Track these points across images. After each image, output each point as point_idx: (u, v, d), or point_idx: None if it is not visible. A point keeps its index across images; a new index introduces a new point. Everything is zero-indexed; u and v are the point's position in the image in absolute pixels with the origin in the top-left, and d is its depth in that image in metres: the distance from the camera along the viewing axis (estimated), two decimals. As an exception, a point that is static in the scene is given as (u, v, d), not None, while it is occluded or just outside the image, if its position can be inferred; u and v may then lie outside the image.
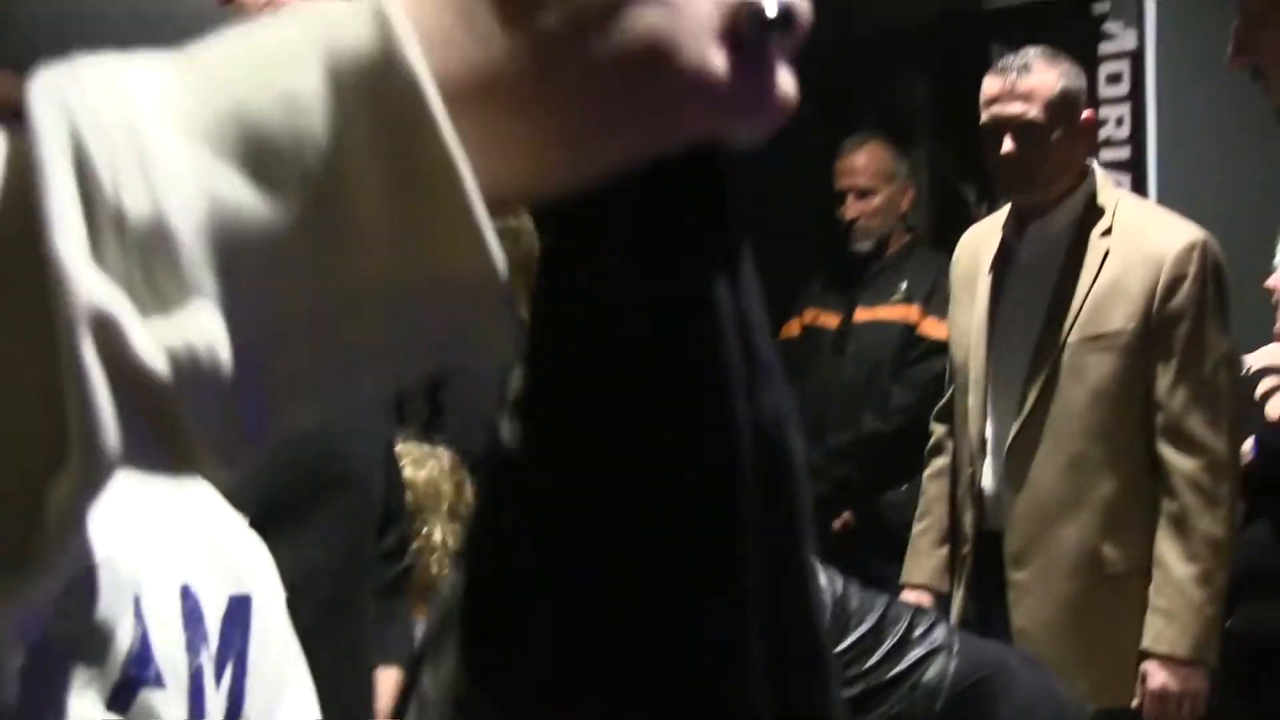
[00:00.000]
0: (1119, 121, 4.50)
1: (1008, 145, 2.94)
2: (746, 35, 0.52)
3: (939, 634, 2.47)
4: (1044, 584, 2.97)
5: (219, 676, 0.93)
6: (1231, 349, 2.91)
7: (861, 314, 4.29)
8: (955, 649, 2.43)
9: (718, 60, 0.51)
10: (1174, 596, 2.87)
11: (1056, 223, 3.01)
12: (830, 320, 4.38)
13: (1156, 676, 2.88)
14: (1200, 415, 2.88)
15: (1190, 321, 2.88)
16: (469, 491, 2.61)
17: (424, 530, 2.56)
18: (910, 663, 2.38)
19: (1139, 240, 2.93)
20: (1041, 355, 2.96)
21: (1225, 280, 2.93)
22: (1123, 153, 4.48)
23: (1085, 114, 3.00)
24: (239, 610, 0.95)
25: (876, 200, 4.29)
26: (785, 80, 0.54)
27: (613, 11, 0.50)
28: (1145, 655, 2.90)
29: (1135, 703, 2.88)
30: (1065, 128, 2.96)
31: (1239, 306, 3.05)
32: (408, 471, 2.53)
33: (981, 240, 3.17)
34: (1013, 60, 3.01)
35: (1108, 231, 2.95)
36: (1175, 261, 2.88)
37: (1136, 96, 4.36)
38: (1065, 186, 2.99)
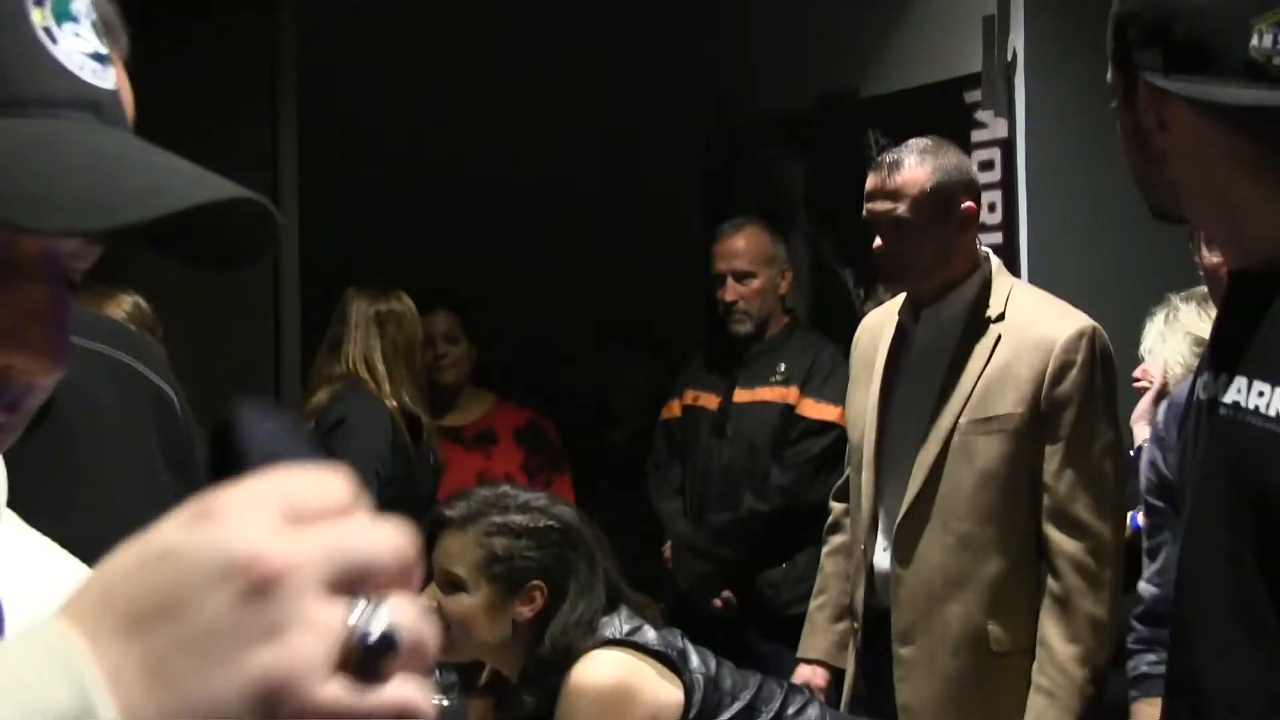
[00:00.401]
0: (991, 207, 4.65)
1: (877, 241, 3.08)
2: (360, 662, 0.59)
3: (812, 713, 2.55)
4: (929, 661, 3.05)
5: None
6: (1117, 435, 3.04)
7: (741, 394, 4.39)
8: None
9: (333, 691, 0.58)
10: (1056, 675, 2.95)
11: (950, 308, 3.11)
12: (710, 401, 4.47)
13: None
14: (1085, 499, 2.97)
15: (1077, 407, 2.97)
16: None
17: None
18: None
19: (1029, 327, 3.03)
20: (932, 437, 3.06)
21: (1113, 368, 3.04)
22: (996, 237, 4.64)
23: (965, 205, 3.08)
24: None
25: (755, 283, 4.37)
26: (410, 694, 0.60)
27: (230, 658, 0.57)
28: None
29: None
30: (938, 222, 3.06)
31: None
32: None
33: (881, 324, 3.27)
34: (887, 156, 3.12)
35: (1000, 317, 3.06)
36: (1064, 348, 2.98)
37: (1008, 183, 4.48)
38: (954, 274, 3.10)
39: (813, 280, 5.13)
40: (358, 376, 4.22)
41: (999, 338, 3.05)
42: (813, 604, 3.45)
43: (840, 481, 3.43)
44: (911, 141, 3.14)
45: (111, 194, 0.65)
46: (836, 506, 3.44)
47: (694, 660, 2.49)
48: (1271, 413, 1.60)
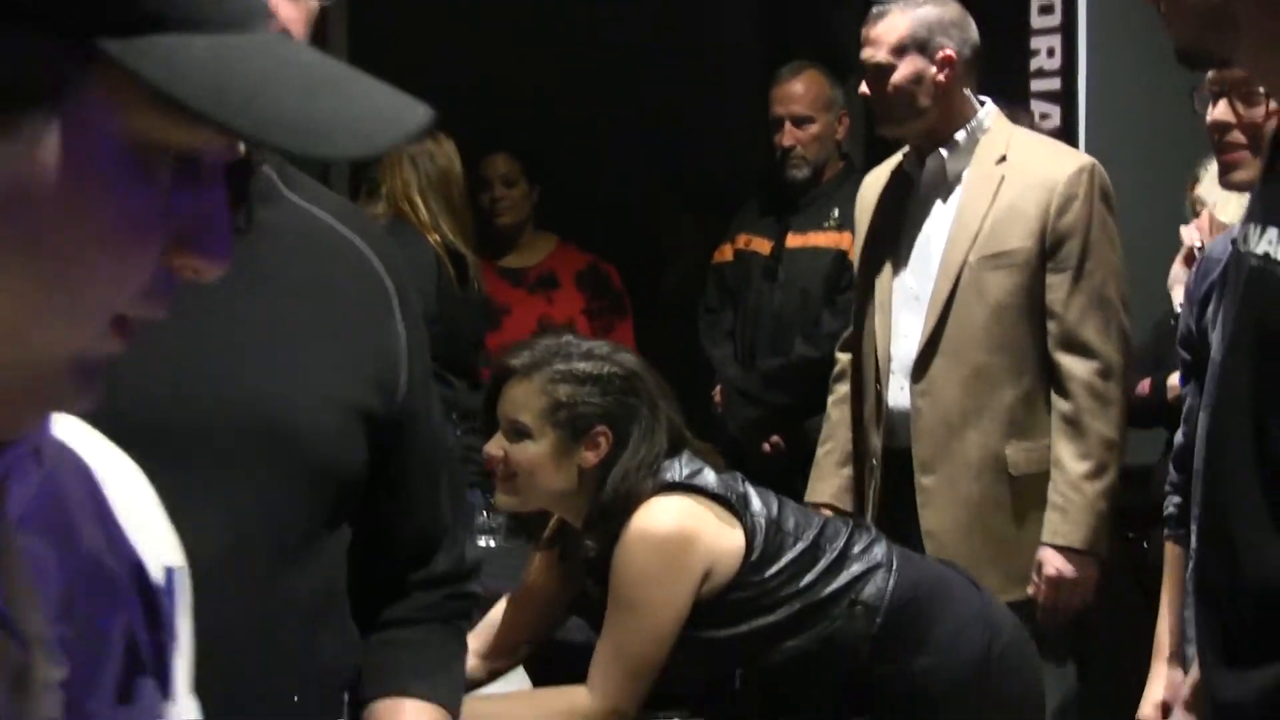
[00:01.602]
0: (1050, 52, 4.85)
1: (862, 87, 3.38)
2: None
3: (878, 551, 2.66)
4: (951, 488, 3.33)
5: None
6: (1119, 263, 3.32)
7: (794, 240, 4.52)
8: (895, 566, 2.65)
9: None
10: (1069, 492, 3.26)
11: (953, 153, 3.39)
12: (763, 246, 4.60)
13: (1051, 564, 3.26)
14: (1093, 324, 3.27)
15: (1081, 238, 3.27)
16: None
17: None
18: (848, 580, 2.61)
19: (1032, 166, 3.32)
20: (944, 275, 3.34)
21: (1113, 201, 3.31)
22: (1054, 83, 4.87)
23: (944, 53, 3.34)
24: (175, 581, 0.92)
25: (814, 128, 4.51)
26: None
27: None
28: (1043, 547, 3.28)
29: (1031, 590, 3.25)
30: (914, 69, 3.34)
31: (1151, 227, 3.46)
32: None
33: (881, 178, 3.56)
34: (876, 7, 3.40)
35: (1002, 159, 3.35)
36: (1067, 183, 3.28)
37: (1068, 27, 4.63)
38: (947, 120, 3.38)
39: (868, 126, 5.34)
40: (400, 213, 4.40)
41: (1003, 178, 3.33)
42: (820, 450, 3.68)
43: (846, 334, 3.68)
44: None
45: (361, 119, 0.68)
46: (843, 357, 3.68)
47: (755, 503, 2.59)
48: None
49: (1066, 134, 4.65)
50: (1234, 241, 1.87)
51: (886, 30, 3.37)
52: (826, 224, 4.47)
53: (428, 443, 1.60)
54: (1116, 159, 4.34)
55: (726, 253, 4.76)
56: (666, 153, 5.97)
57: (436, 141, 4.49)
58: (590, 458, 2.56)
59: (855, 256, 3.67)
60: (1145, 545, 3.66)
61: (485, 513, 4.01)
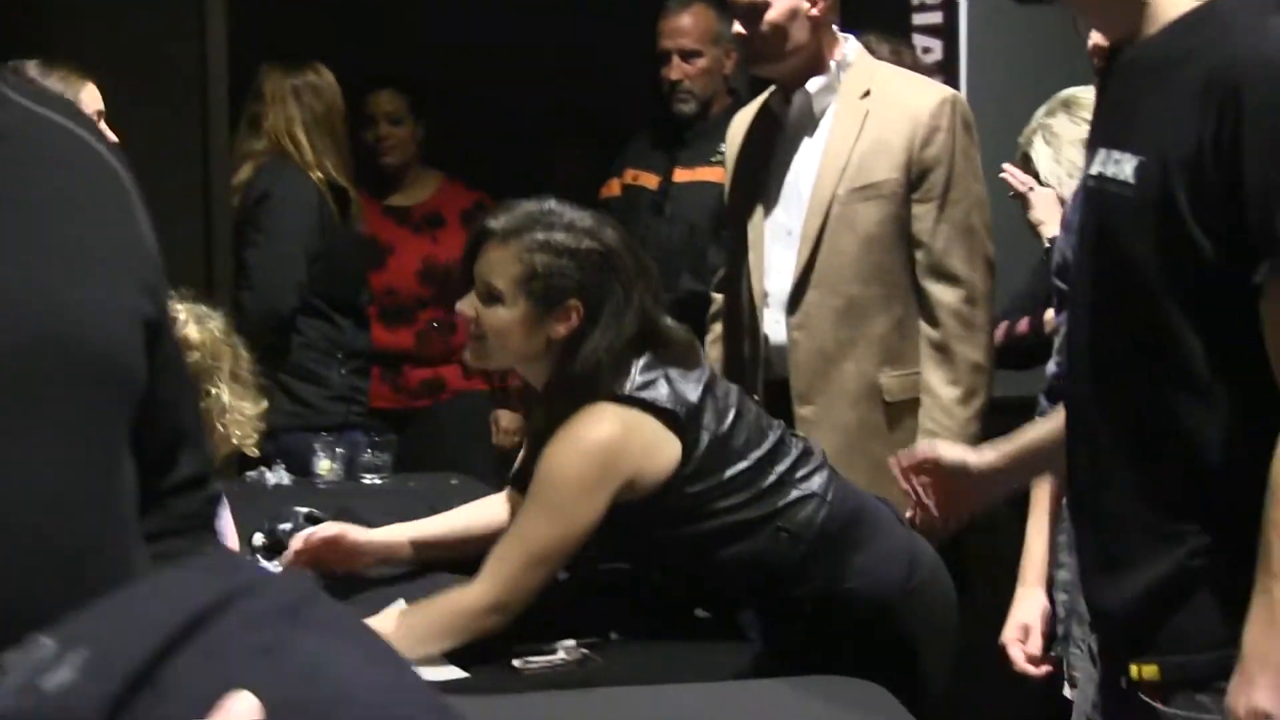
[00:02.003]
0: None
1: (736, 26, 3.47)
2: None
3: (816, 481, 2.71)
4: (829, 416, 3.46)
5: None
6: (983, 192, 3.45)
7: (681, 175, 4.58)
8: (829, 499, 2.70)
9: None
10: (941, 417, 3.40)
11: (818, 90, 3.50)
12: (650, 180, 4.65)
13: None
14: (959, 252, 3.41)
15: (946, 168, 3.41)
16: (244, 355, 2.80)
17: (213, 393, 2.72)
18: (781, 505, 2.67)
19: (896, 99, 3.44)
20: (814, 210, 3.46)
21: (974, 131, 3.44)
22: (935, 17, 4.90)
23: None
24: None
25: (701, 62, 4.54)
26: None
27: None
28: None
29: (909, 514, 3.44)
30: (788, 4, 3.44)
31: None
32: (190, 331, 2.68)
33: (748, 117, 3.66)
34: None
35: (867, 94, 3.46)
36: (931, 115, 3.40)
37: None
38: (815, 57, 3.49)
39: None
40: (281, 149, 4.43)
41: (868, 112, 3.45)
42: None
43: (718, 275, 3.79)
44: None
45: None
46: (718, 297, 3.79)
47: (706, 417, 2.62)
48: (1122, 177, 1.90)
49: (948, 68, 4.73)
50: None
51: None
52: (714, 159, 4.44)
53: (172, 342, 1.56)
54: (997, 93, 4.49)
55: (614, 187, 4.82)
56: (553, 87, 6.02)
57: (319, 74, 4.52)
58: (560, 330, 2.60)
59: (726, 192, 3.76)
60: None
61: (370, 451, 4.10)
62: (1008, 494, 2.56)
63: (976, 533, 3.58)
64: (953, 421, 3.42)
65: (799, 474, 2.71)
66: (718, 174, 4.37)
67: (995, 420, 3.48)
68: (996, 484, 2.45)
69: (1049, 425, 2.32)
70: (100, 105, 3.62)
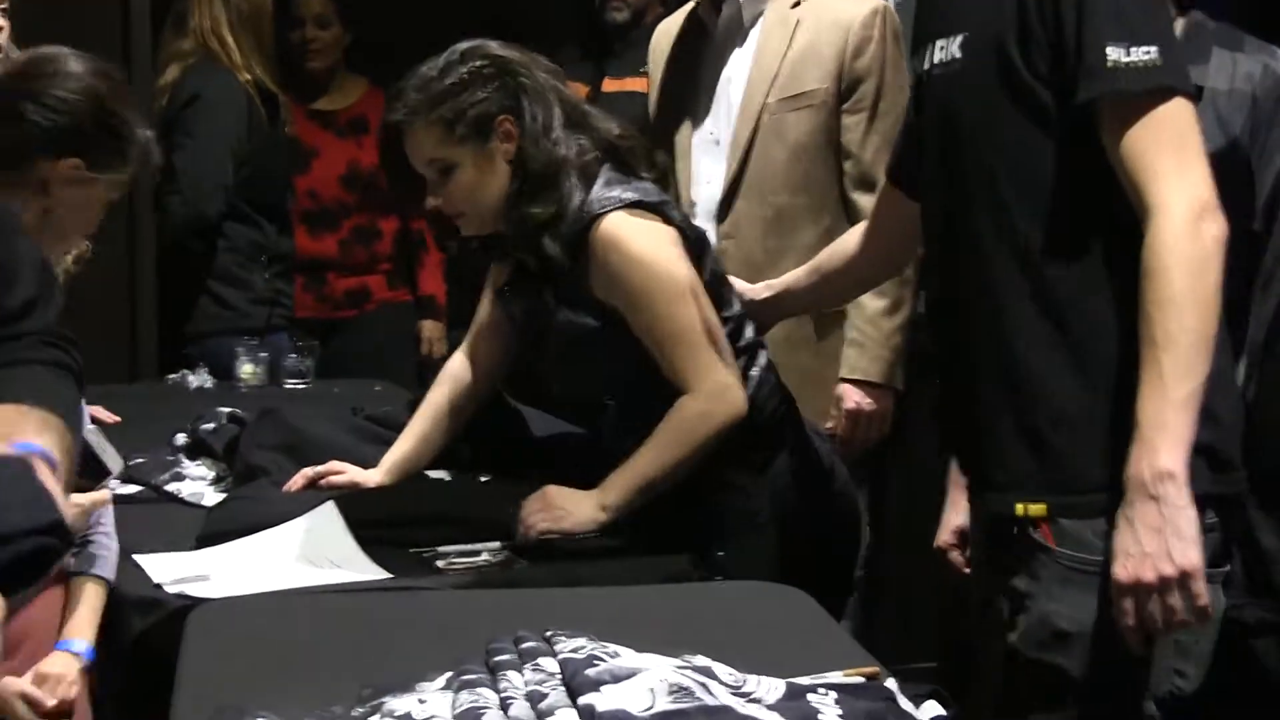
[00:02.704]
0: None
1: None
2: None
3: (764, 358, 2.80)
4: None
5: None
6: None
7: (610, 85, 4.55)
8: (774, 384, 2.81)
9: None
10: (865, 327, 3.43)
11: (748, 0, 3.50)
12: (579, 90, 4.63)
13: (850, 398, 3.44)
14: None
15: (876, 79, 3.42)
16: None
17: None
18: (754, 371, 2.75)
19: (827, 9, 3.45)
20: (743, 118, 3.46)
21: (902, 42, 3.44)
22: None
23: None
24: None
25: None
26: None
27: None
28: (842, 382, 3.46)
29: (831, 424, 3.42)
30: None
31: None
32: None
33: (674, 26, 3.67)
34: None
35: (797, 4, 3.47)
36: (862, 24, 3.41)
37: None
38: None
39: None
40: (208, 49, 4.39)
41: (798, 21, 3.46)
42: None
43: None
44: None
45: None
46: None
47: (711, 251, 2.74)
48: (949, 56, 2.16)
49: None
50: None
51: None
52: (643, 69, 4.35)
53: None
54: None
55: (543, 96, 4.79)
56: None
57: None
58: (508, 148, 2.64)
59: (649, 102, 3.76)
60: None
61: (294, 356, 4.09)
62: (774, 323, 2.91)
63: (896, 447, 3.63)
64: (878, 331, 3.46)
65: (759, 349, 2.79)
66: (647, 84, 4.30)
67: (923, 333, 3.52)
68: (767, 312, 2.84)
69: (803, 269, 2.81)
70: None
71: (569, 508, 2.52)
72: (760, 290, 2.81)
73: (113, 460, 2.30)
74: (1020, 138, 2.09)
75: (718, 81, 3.54)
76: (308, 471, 2.80)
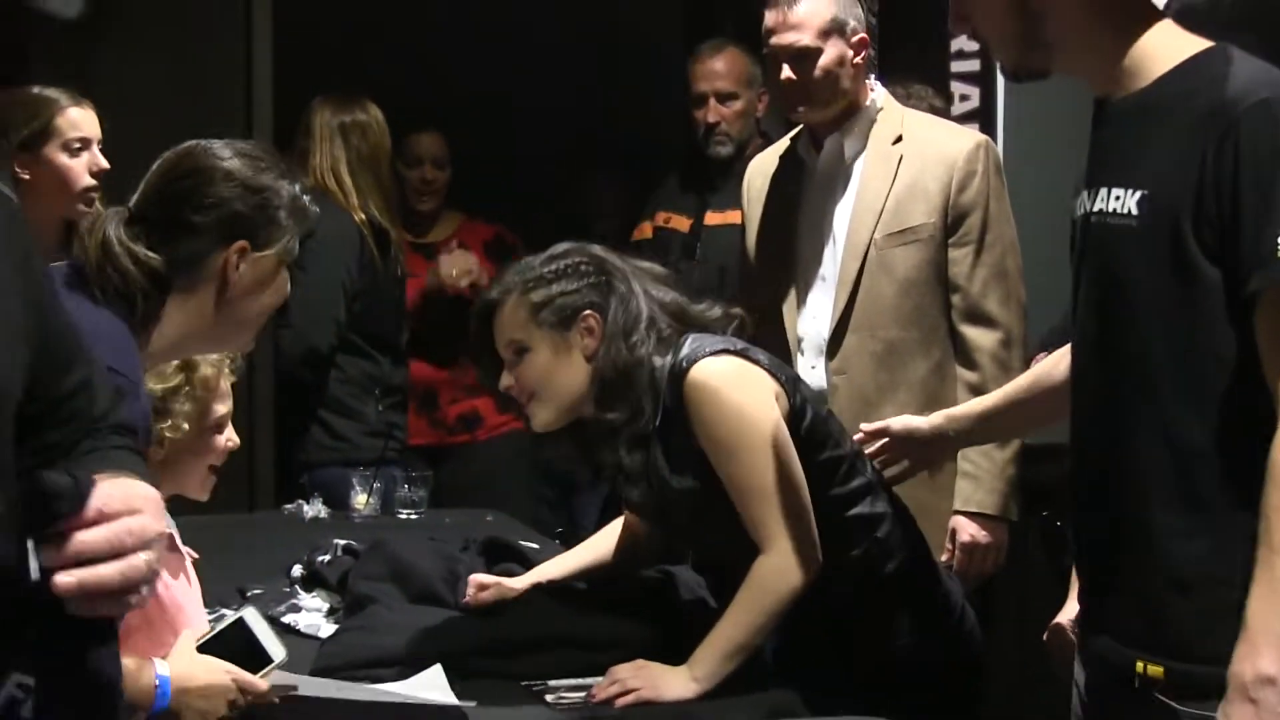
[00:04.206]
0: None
1: (786, 71, 3.53)
2: None
3: (885, 500, 2.82)
4: None
5: None
6: (1015, 236, 3.55)
7: (713, 218, 4.66)
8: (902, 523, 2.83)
9: None
10: (979, 460, 3.47)
11: (850, 136, 3.59)
12: (682, 223, 4.73)
13: (965, 531, 3.48)
14: (995, 295, 3.49)
15: (981, 212, 3.50)
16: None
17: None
18: (876, 512, 2.76)
19: (930, 145, 3.53)
20: (851, 254, 3.53)
21: (1004, 175, 3.54)
22: (973, 64, 4.94)
23: (858, 37, 3.54)
24: None
25: (738, 105, 4.62)
26: None
27: None
28: (956, 514, 3.49)
29: (945, 557, 3.45)
30: (838, 51, 3.51)
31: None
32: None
33: (770, 163, 3.76)
34: None
35: (899, 139, 3.55)
36: (966, 159, 3.50)
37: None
38: (852, 103, 3.56)
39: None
40: (325, 188, 4.52)
41: (901, 157, 3.54)
42: None
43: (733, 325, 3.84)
44: None
45: None
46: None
47: (806, 389, 2.79)
48: (1124, 210, 2.16)
49: (985, 115, 4.80)
50: (1074, 209, 2.32)
51: (810, 14, 3.54)
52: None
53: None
54: (1034, 141, 4.54)
55: (646, 230, 4.90)
56: (587, 129, 6.08)
57: (367, 112, 4.59)
58: (589, 344, 2.70)
59: (746, 238, 3.82)
60: (1059, 524, 3.80)
61: (407, 486, 4.13)
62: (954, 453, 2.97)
63: (1006, 572, 3.60)
64: (991, 464, 3.50)
65: (880, 488, 2.82)
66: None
67: (1030, 467, 3.51)
68: (945, 446, 2.86)
69: (995, 395, 2.81)
70: (96, 133, 3.68)
71: (659, 681, 2.52)
72: (938, 421, 2.81)
73: (274, 648, 2.39)
74: (1183, 311, 2.10)
75: (821, 218, 3.62)
76: (482, 579, 2.93)
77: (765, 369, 2.68)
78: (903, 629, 2.77)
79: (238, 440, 2.70)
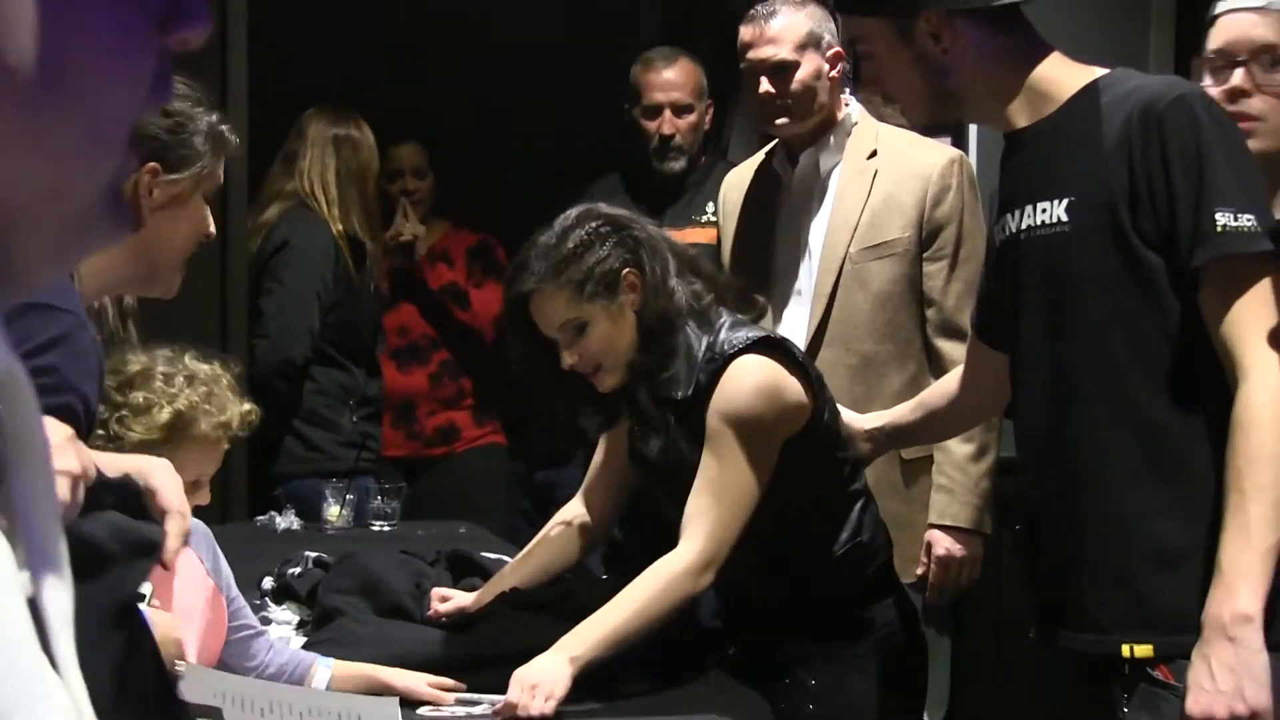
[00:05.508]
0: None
1: (764, 85, 3.57)
2: None
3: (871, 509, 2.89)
4: None
5: None
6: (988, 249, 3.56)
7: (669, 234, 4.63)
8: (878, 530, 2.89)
9: None
10: (954, 473, 3.52)
11: (825, 151, 3.64)
12: None
13: (941, 544, 3.52)
14: (969, 309, 3.45)
15: (956, 226, 3.55)
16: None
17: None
18: (868, 516, 2.82)
19: (905, 159, 3.59)
20: (826, 269, 3.57)
21: (977, 189, 3.58)
22: None
23: (833, 50, 3.59)
24: None
25: (692, 117, 4.39)
26: None
27: None
28: (931, 528, 3.53)
29: (920, 570, 3.51)
30: (815, 64, 3.56)
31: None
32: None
33: (745, 177, 3.81)
34: (761, 9, 3.62)
35: (874, 154, 3.61)
36: (940, 174, 3.55)
37: None
38: (827, 116, 3.61)
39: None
40: (310, 195, 4.58)
41: (876, 171, 3.60)
42: None
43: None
44: None
45: None
46: None
47: (828, 389, 2.83)
48: (1053, 219, 2.37)
49: (958, 129, 4.78)
50: (993, 237, 2.55)
51: (786, 28, 3.60)
52: (701, 218, 4.37)
53: None
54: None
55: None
56: (570, 137, 6.08)
57: (360, 130, 4.62)
58: (634, 299, 2.76)
59: (722, 253, 3.86)
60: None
61: (380, 498, 4.13)
62: (880, 454, 3.06)
63: (981, 585, 3.62)
64: (966, 477, 3.56)
65: (871, 498, 2.89)
66: (709, 234, 4.27)
67: (1004, 480, 3.51)
68: (876, 445, 2.97)
69: (911, 403, 2.98)
70: None
71: (542, 677, 2.49)
72: (870, 421, 2.97)
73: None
74: (1130, 297, 2.29)
75: (797, 232, 3.68)
76: (443, 592, 2.98)
77: (797, 367, 2.74)
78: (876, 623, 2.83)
79: (207, 500, 2.66)
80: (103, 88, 0.66)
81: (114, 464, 1.81)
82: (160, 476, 1.86)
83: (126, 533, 1.57)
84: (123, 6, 0.67)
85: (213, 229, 2.38)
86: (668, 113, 4.38)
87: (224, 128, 2.38)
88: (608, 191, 4.43)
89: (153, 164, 2.26)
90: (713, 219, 4.23)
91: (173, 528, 1.87)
